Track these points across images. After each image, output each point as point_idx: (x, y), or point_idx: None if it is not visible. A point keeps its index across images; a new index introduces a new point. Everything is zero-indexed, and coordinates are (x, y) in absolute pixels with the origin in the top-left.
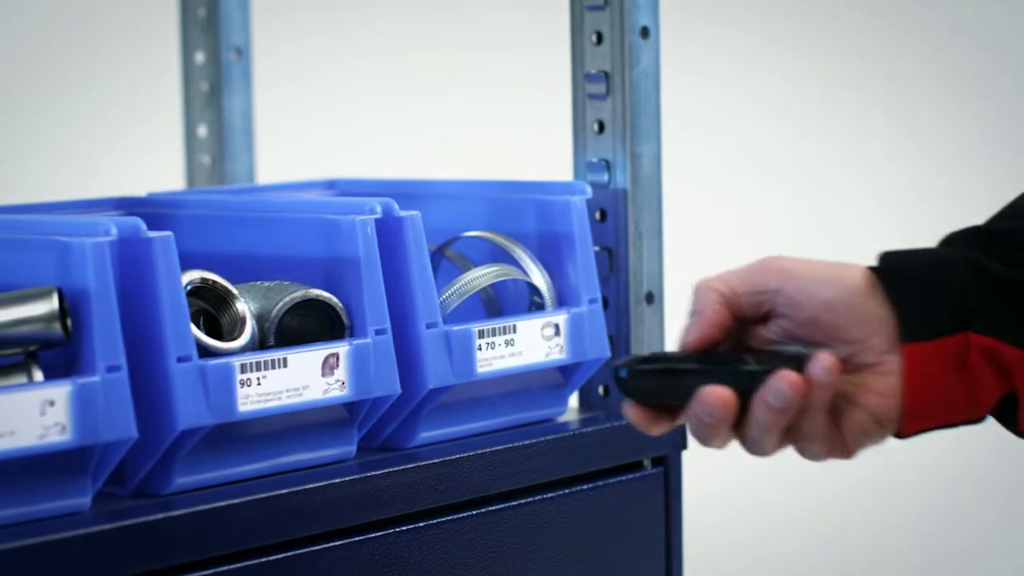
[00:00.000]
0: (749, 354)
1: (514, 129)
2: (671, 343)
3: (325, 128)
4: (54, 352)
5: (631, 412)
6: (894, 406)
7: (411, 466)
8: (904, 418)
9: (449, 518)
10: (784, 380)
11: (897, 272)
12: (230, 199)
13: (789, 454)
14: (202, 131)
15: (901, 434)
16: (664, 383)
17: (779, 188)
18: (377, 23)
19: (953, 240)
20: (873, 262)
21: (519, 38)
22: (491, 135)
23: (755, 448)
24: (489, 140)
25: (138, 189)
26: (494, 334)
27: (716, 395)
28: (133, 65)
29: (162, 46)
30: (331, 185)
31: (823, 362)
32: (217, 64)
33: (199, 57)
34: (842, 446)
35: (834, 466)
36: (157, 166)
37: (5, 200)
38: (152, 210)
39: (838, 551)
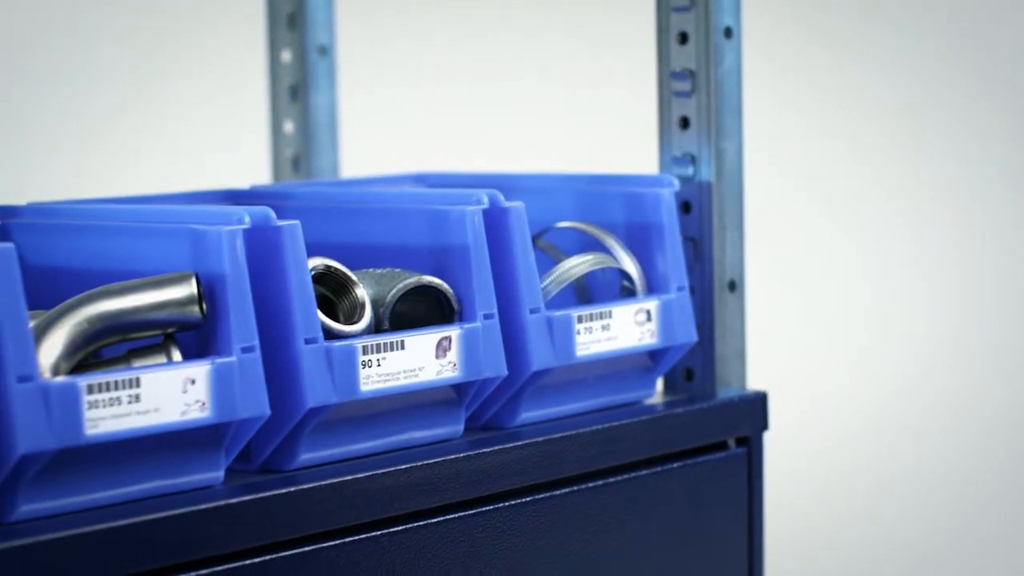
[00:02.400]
0: None
1: (585, 125)
2: (751, 329)
3: (405, 124)
4: (183, 335)
5: None
6: None
7: (515, 444)
8: None
9: (550, 494)
10: None
11: None
12: (336, 191)
13: (867, 435)
14: (288, 127)
15: None
16: None
17: (857, 180)
18: (459, 21)
19: None
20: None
21: (601, 36)
22: (565, 130)
23: None
24: (563, 135)
25: (226, 182)
26: (591, 319)
27: None
28: (220, 63)
29: (249, 45)
30: (420, 179)
31: None
32: (302, 62)
33: (285, 56)
34: None
35: (914, 444)
36: (240, 161)
37: (102, 193)
38: (259, 202)
39: (918, 529)
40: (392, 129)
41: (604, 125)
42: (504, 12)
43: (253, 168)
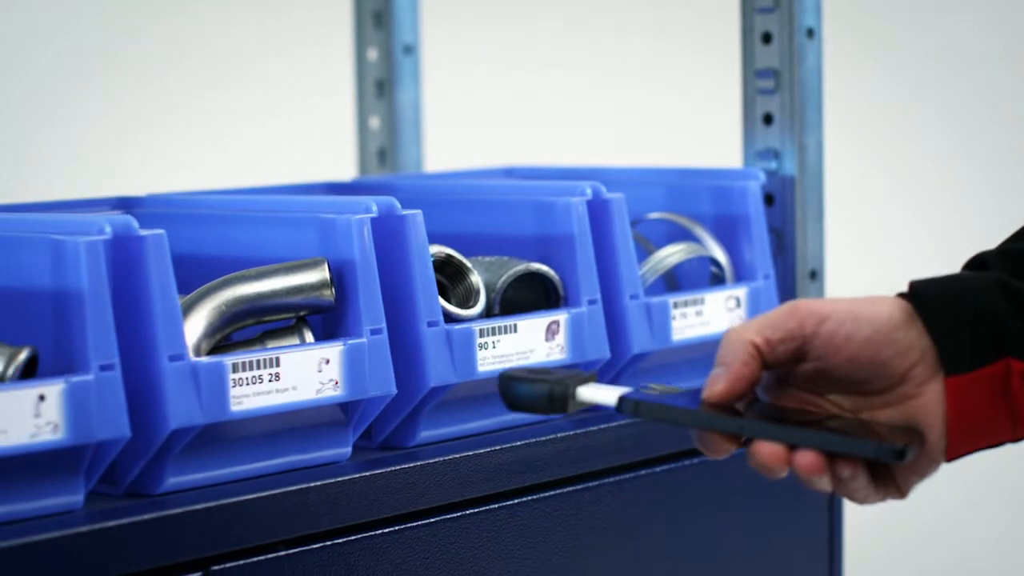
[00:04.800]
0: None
1: (660, 120)
2: None
3: (484, 119)
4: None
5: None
6: (940, 436)
7: (614, 424)
8: (949, 444)
9: (650, 471)
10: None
11: (934, 303)
12: (438, 183)
13: None
14: (374, 123)
15: (945, 459)
16: None
17: (932, 175)
18: (541, 20)
19: (985, 261)
20: (904, 289)
21: (682, 35)
22: (642, 126)
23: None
24: (640, 131)
25: (315, 176)
26: (686, 305)
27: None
28: (308, 60)
29: (337, 43)
30: (509, 172)
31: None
32: (388, 61)
33: (372, 54)
34: (895, 489)
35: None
36: (327, 155)
37: (198, 186)
38: (364, 193)
39: (990, 525)
40: (472, 124)
41: (680, 121)
42: (588, 11)
43: (338, 162)
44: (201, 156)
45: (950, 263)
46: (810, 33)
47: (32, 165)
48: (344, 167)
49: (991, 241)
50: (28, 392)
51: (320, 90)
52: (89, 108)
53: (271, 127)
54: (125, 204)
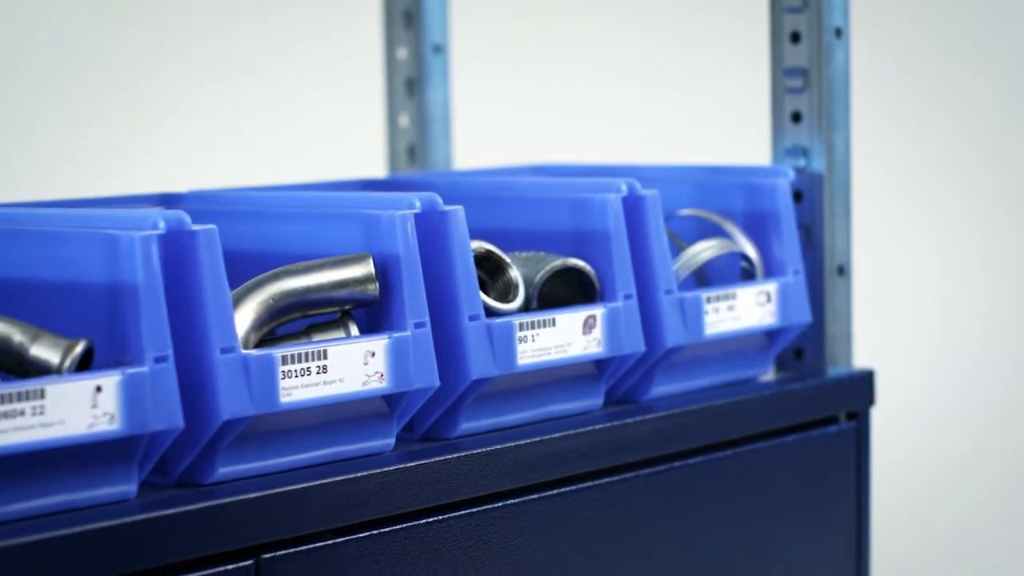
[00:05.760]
0: None
1: (683, 118)
2: (858, 310)
3: (511, 117)
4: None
5: None
6: None
7: (649, 417)
8: None
9: (684, 463)
10: None
11: None
12: (474, 180)
13: (978, 410)
14: (404, 121)
15: None
16: None
17: (957, 172)
18: (568, 20)
19: None
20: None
21: (714, 33)
22: (667, 124)
23: None
24: (666, 129)
25: (344, 173)
26: (719, 300)
27: None
28: (339, 60)
29: (368, 42)
30: (539, 170)
31: None
32: (418, 60)
33: (401, 53)
34: None
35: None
36: (357, 153)
37: (229, 183)
38: (400, 190)
39: (1021, 523)
40: (499, 122)
41: (707, 119)
42: (616, 10)
43: (368, 160)
44: (232, 153)
45: (974, 260)
46: (838, 33)
47: (58, 164)
48: (374, 165)
49: (1013, 238)
50: (86, 383)
51: (350, 89)
52: (123, 107)
53: (301, 125)
54: (167, 200)
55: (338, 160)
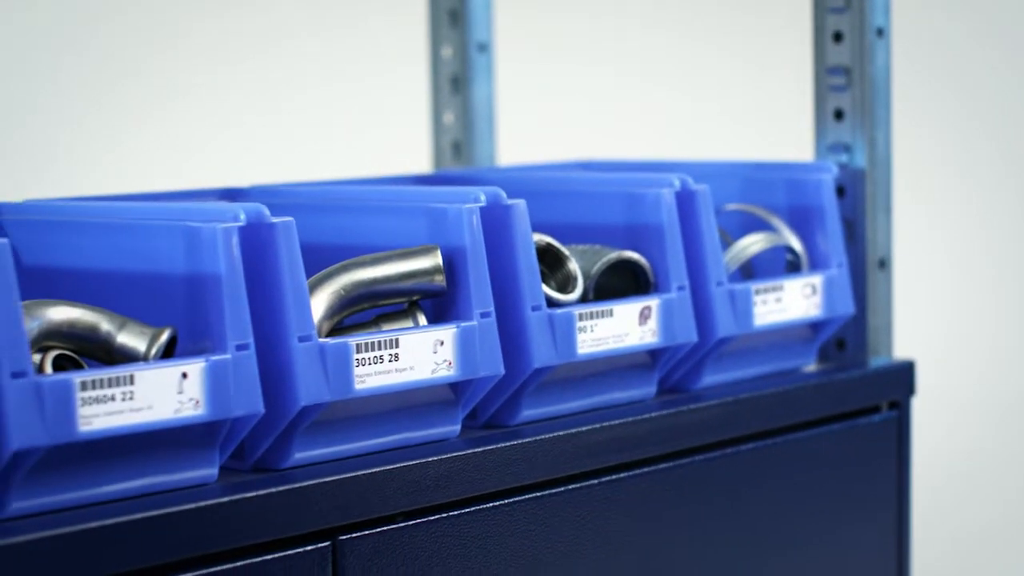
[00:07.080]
0: None
1: (731, 115)
2: (898, 302)
3: (554, 114)
4: None
5: None
6: None
7: (701, 405)
8: None
9: (736, 450)
10: None
11: None
12: (526, 175)
13: (1016, 401)
14: (448, 118)
15: None
16: None
17: (995, 167)
18: (612, 18)
19: None
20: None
21: (758, 32)
22: (711, 121)
23: None
24: (709, 126)
25: (385, 170)
26: (767, 292)
27: None
28: (385, 58)
29: (413, 41)
30: (585, 166)
31: None
32: (463, 58)
33: (446, 51)
34: None
35: None
36: (402, 149)
37: (279, 179)
38: (451, 185)
39: None
40: (543, 118)
41: (750, 116)
42: (659, 8)
43: (413, 156)
44: (281, 150)
45: (1013, 253)
46: (880, 32)
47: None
48: (419, 161)
49: None
50: (173, 370)
51: (396, 86)
52: (178, 104)
53: (347, 122)
54: (230, 195)
55: (383, 156)
